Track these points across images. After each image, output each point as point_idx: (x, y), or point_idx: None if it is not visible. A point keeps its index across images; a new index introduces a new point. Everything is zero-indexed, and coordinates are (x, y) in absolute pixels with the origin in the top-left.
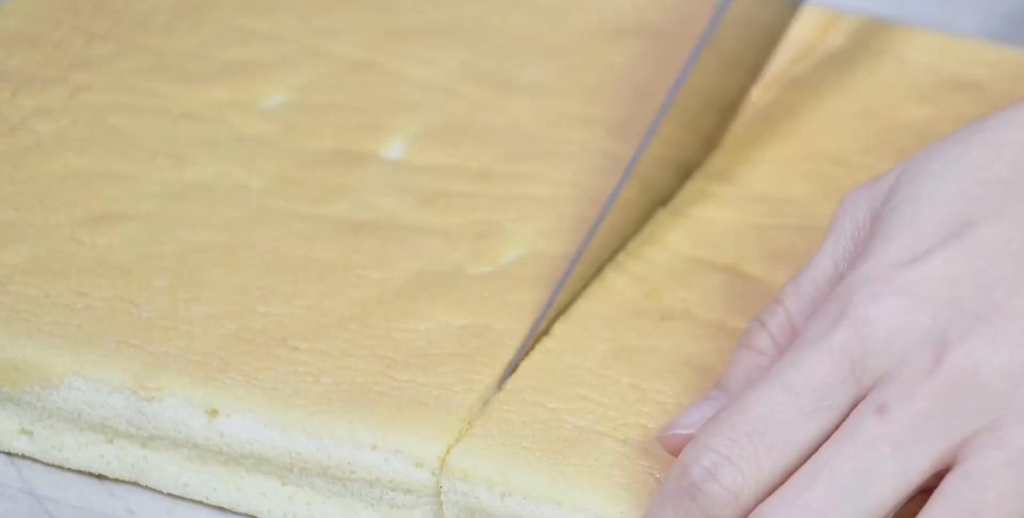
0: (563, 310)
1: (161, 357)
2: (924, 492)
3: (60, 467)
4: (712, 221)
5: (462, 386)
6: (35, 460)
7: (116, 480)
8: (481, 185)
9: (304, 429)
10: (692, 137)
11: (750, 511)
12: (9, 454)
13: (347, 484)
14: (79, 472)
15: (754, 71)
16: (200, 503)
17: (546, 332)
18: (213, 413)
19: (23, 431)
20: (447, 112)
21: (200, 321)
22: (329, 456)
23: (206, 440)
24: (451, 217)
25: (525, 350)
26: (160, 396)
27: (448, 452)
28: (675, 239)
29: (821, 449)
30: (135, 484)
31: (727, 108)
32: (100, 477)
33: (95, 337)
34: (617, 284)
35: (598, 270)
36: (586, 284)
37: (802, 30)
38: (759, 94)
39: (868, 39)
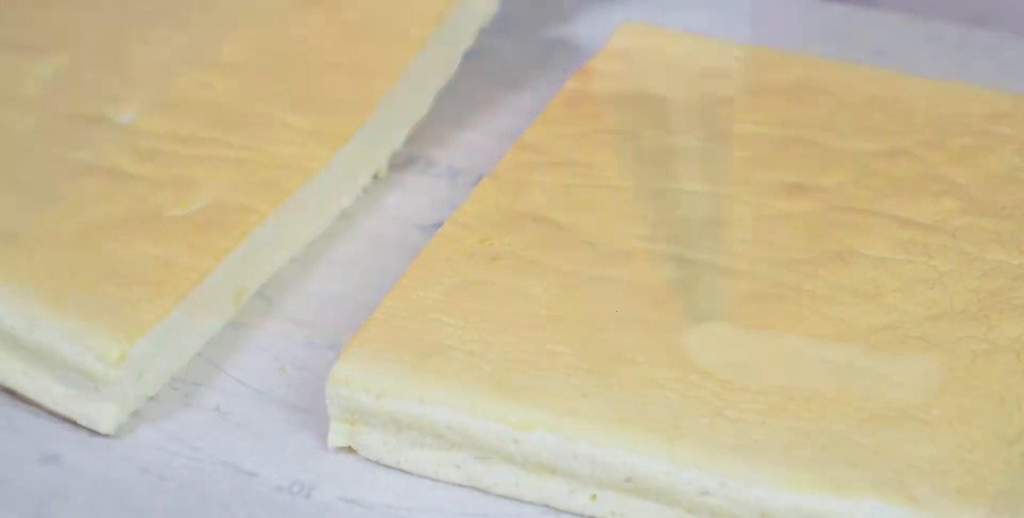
0: (414, 255)
1: None
2: None
3: None
4: (529, 183)
5: (146, 306)
6: None
7: None
8: (186, 147)
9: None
10: None
11: None
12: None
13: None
14: None
15: None
16: None
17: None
18: None
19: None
20: (167, 89)
21: None
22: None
23: None
24: (159, 170)
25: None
26: None
27: (123, 356)
28: (500, 198)
29: None
30: None
31: None
32: None
33: None
34: (456, 234)
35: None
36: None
37: (600, 30)
38: (566, 83)
39: (642, 40)
